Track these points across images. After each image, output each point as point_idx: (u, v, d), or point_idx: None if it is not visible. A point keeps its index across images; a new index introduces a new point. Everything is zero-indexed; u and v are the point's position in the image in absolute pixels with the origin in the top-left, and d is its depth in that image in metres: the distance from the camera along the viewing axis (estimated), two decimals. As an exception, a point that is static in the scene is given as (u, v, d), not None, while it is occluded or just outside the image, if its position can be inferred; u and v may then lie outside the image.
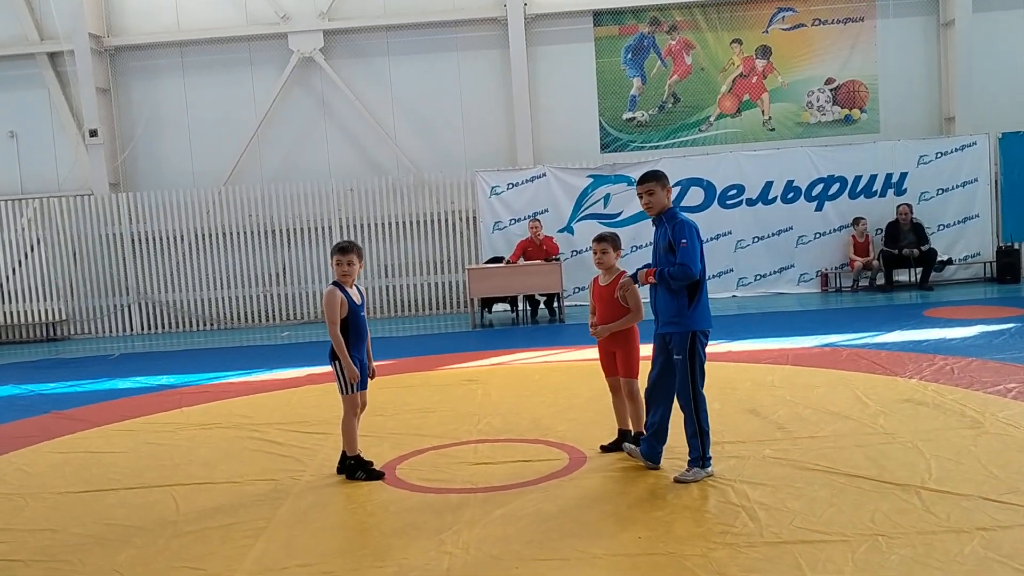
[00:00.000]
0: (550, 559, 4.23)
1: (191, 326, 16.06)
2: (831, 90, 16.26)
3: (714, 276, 15.31)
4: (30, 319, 16.00)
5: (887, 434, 5.95)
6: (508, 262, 13.86)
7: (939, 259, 14.78)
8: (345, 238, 15.62)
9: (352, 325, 5.80)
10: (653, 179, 5.40)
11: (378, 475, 5.78)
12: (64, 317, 16.01)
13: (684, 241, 5.23)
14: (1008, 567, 3.82)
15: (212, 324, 16.07)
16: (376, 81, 16.47)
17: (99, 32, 16.24)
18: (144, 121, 16.61)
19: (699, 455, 5.33)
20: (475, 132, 16.50)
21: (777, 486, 5.05)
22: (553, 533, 4.57)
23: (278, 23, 16.23)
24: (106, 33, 16.41)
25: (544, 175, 15.32)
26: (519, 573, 4.10)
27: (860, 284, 14.98)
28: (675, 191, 15.17)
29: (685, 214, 5.49)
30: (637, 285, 5.72)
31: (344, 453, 5.87)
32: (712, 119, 16.41)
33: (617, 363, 5.96)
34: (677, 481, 5.23)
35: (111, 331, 16.02)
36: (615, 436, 6.07)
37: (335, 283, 5.81)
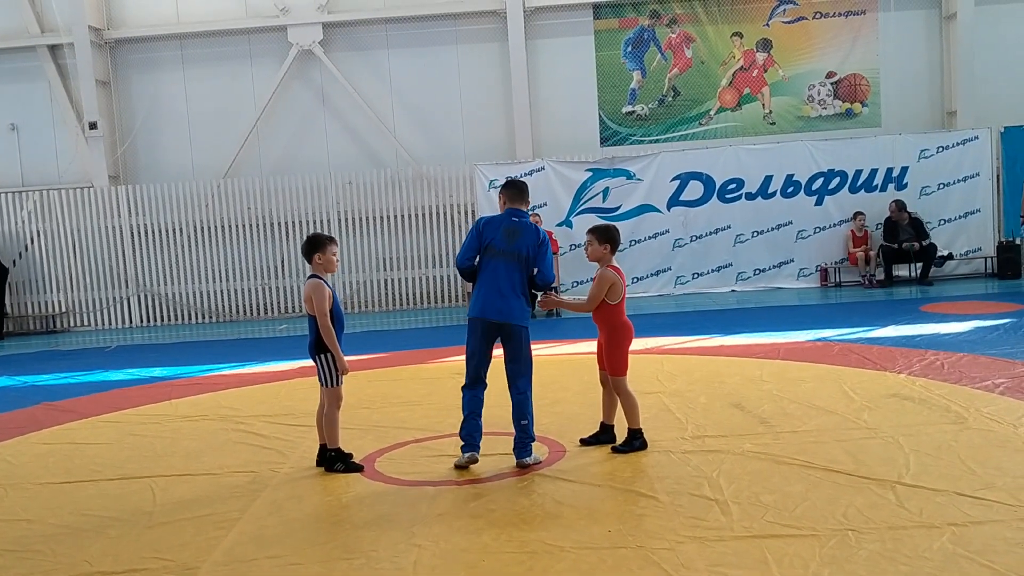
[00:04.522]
0: (517, 552, 4.21)
1: (190, 319, 16.09)
2: (832, 84, 16.18)
3: (713, 271, 15.31)
4: (30, 311, 16.07)
5: (869, 429, 5.92)
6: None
7: (939, 254, 14.69)
8: (342, 231, 15.65)
9: (336, 317, 5.80)
10: None
11: (357, 468, 5.77)
12: (64, 309, 16.07)
13: None
14: (975, 563, 3.79)
15: (211, 317, 16.09)
16: (375, 74, 16.45)
17: (99, 24, 16.27)
18: (144, 114, 16.64)
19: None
20: (474, 125, 16.47)
21: (753, 480, 5.03)
22: (524, 526, 4.56)
23: (277, 16, 16.23)
24: (106, 26, 16.44)
25: (543, 168, 15.29)
26: (485, 565, 4.09)
27: (872, 277, 14.72)
28: (674, 185, 15.17)
29: (489, 215, 6.09)
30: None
31: (323, 446, 5.87)
32: (712, 113, 16.34)
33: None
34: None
35: (111, 323, 16.07)
36: (597, 429, 6.06)
37: (317, 276, 5.80)
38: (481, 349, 5.72)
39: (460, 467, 5.61)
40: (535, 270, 5.76)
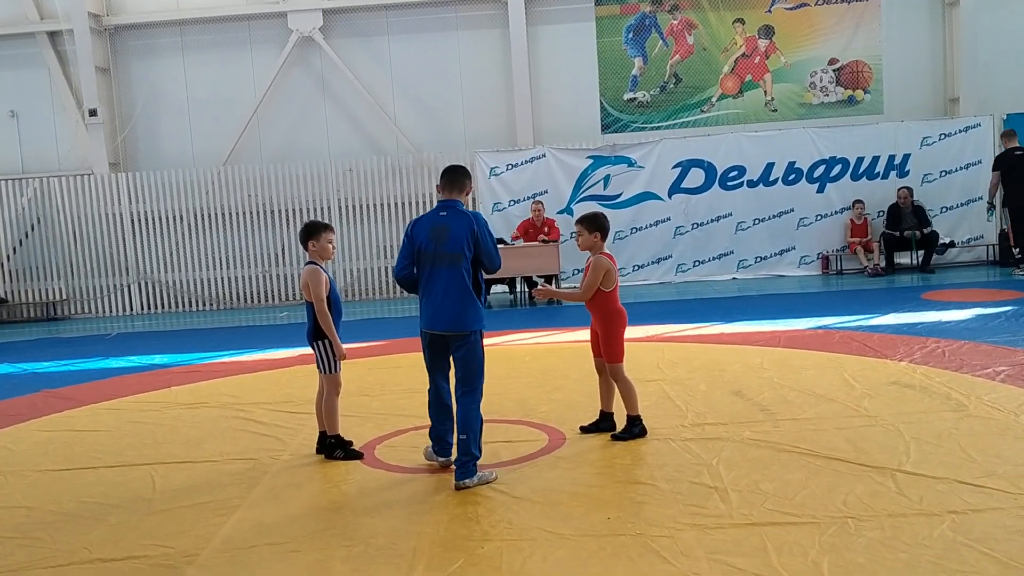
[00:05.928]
0: (517, 539, 4.21)
1: (191, 306, 16.08)
2: (834, 71, 16.10)
3: (714, 258, 15.28)
4: (30, 299, 16.07)
5: (869, 416, 5.91)
6: (515, 237, 13.80)
7: (941, 242, 14.66)
8: (343, 218, 15.62)
9: (333, 304, 5.80)
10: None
11: (357, 455, 5.77)
12: (64, 297, 16.06)
13: None
14: (975, 550, 3.78)
15: (211, 304, 16.09)
16: (376, 61, 16.39)
17: (98, 11, 16.20)
18: (143, 101, 16.59)
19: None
20: (475, 112, 16.41)
21: (753, 468, 5.02)
22: (524, 513, 4.56)
23: (277, 2, 16.15)
24: (105, 12, 16.37)
25: (544, 156, 15.25)
26: (484, 552, 4.09)
27: (877, 267, 14.66)
28: (676, 172, 15.13)
29: (425, 213, 5.42)
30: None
31: (323, 433, 5.86)
32: (714, 100, 16.27)
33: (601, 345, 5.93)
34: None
35: (111, 311, 16.07)
36: (597, 417, 6.05)
37: (314, 263, 5.80)
38: (433, 361, 5.39)
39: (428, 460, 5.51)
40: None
